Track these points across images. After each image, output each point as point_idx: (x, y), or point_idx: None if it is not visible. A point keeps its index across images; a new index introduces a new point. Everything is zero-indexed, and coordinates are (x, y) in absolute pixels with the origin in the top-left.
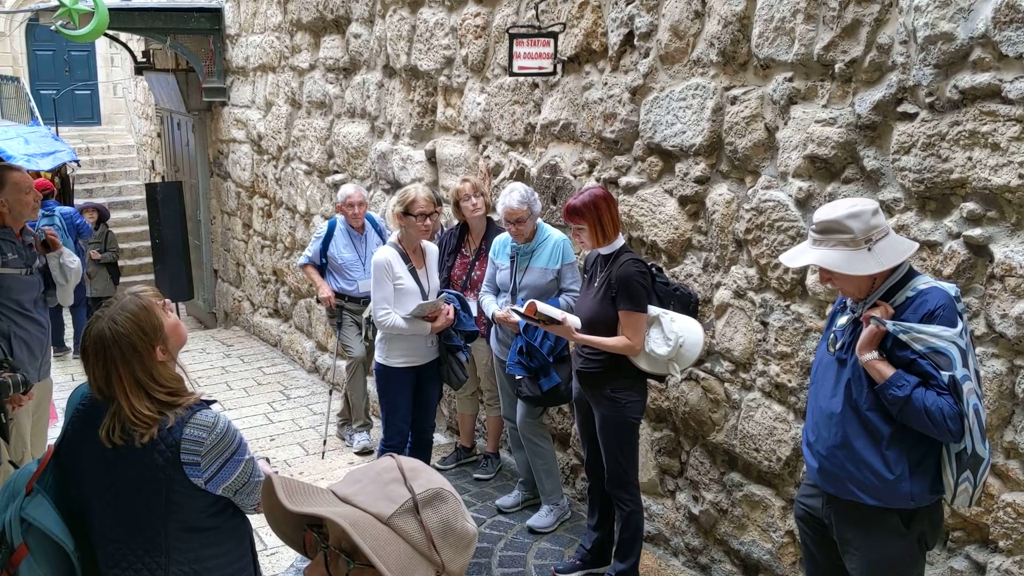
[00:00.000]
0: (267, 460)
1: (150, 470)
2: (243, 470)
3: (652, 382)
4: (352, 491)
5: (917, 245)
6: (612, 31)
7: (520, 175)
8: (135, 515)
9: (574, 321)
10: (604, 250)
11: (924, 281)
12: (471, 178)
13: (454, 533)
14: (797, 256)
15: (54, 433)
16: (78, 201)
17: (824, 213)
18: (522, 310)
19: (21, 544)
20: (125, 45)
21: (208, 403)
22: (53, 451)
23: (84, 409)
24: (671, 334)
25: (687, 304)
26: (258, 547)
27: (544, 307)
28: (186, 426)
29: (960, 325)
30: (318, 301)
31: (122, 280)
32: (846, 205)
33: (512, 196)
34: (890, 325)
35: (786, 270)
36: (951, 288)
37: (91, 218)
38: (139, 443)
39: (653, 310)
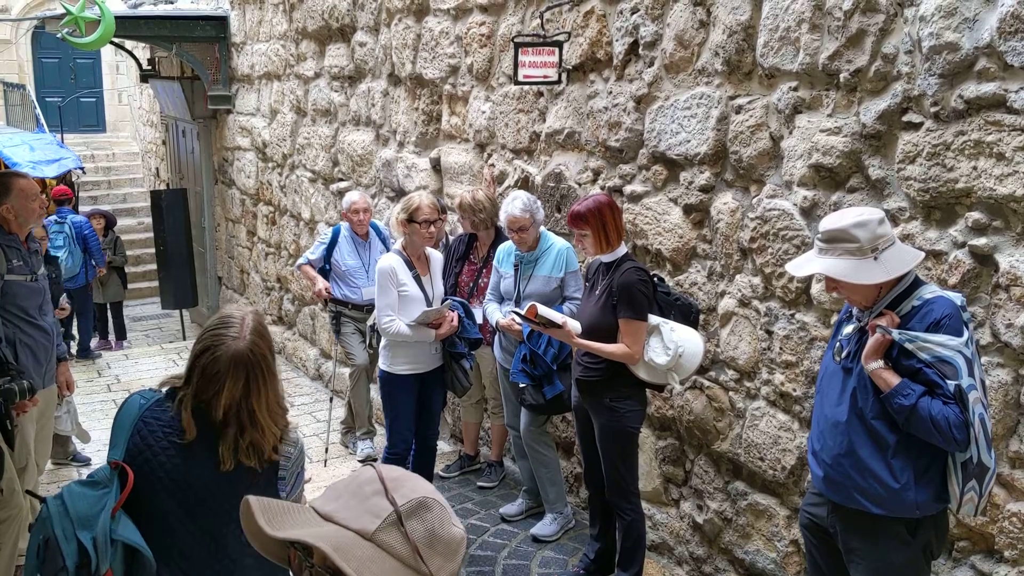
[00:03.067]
0: None
1: (249, 490)
2: (302, 479)
3: (653, 391)
4: (333, 508)
5: (923, 254)
6: (617, 40)
7: (525, 183)
8: (215, 531)
9: (574, 325)
10: (606, 258)
11: (930, 290)
12: (470, 214)
13: (441, 541)
14: (803, 265)
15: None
16: (84, 208)
17: (830, 222)
18: (523, 312)
19: (108, 570)
20: (131, 53)
21: None
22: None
23: (158, 423)
24: (670, 343)
25: (688, 314)
26: None
27: (544, 310)
28: (280, 444)
29: (966, 334)
30: (324, 303)
31: (129, 286)
32: (852, 214)
33: (514, 204)
34: (896, 334)
35: (791, 279)
36: (957, 297)
37: (98, 224)
38: (261, 465)
39: (653, 319)
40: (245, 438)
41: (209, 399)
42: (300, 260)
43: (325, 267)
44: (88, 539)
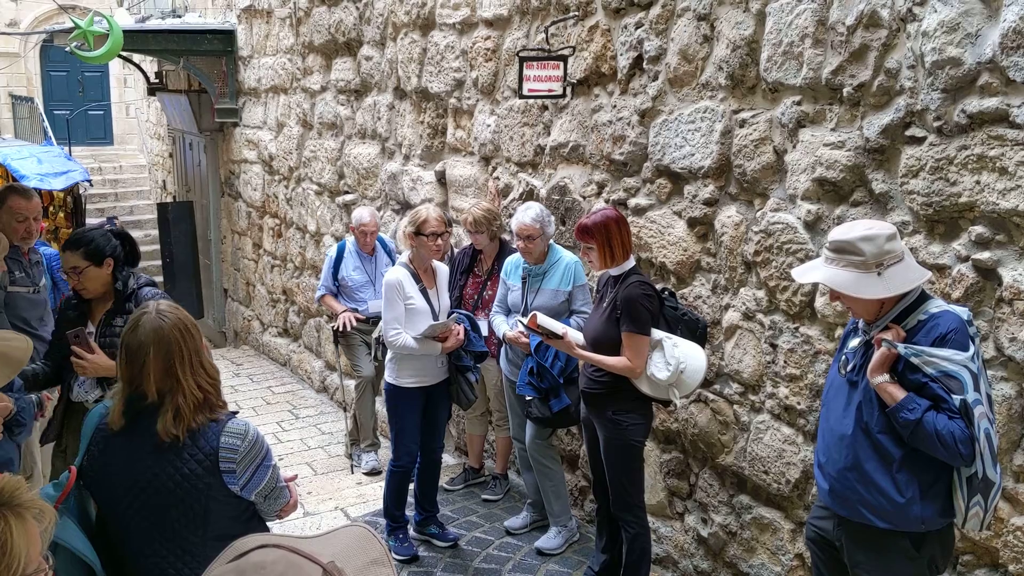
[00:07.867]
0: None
1: (189, 480)
2: (271, 475)
3: (658, 405)
4: None
5: (930, 274)
6: (621, 54)
7: (529, 196)
8: (173, 527)
9: (575, 336)
10: (614, 271)
11: (936, 304)
12: (487, 225)
13: None
14: (807, 272)
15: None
16: (92, 220)
17: (840, 233)
18: (526, 321)
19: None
20: (138, 66)
21: (234, 413)
22: (76, 474)
23: (107, 428)
24: (671, 359)
25: (694, 330)
26: None
27: (545, 320)
28: (222, 435)
29: (972, 349)
30: (340, 324)
31: None
32: (862, 227)
33: (527, 213)
34: (902, 348)
35: (795, 292)
36: (963, 312)
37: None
38: (188, 429)
39: (657, 334)
40: (172, 406)
41: (139, 382)
42: (319, 292)
43: (334, 285)
44: None
